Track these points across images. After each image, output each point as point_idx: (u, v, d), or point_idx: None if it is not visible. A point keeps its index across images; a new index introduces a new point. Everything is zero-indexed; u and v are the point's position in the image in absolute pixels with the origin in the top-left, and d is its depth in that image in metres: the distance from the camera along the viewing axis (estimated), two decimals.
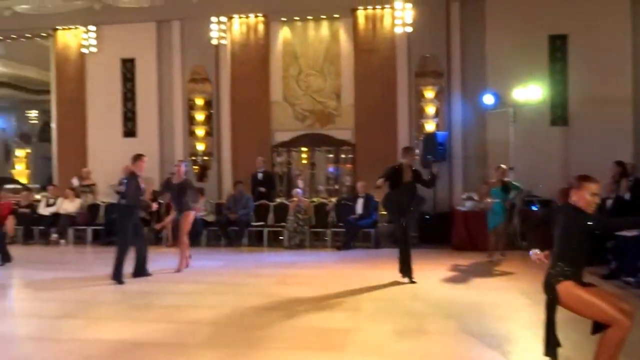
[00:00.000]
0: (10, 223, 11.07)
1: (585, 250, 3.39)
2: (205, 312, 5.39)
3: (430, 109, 11.04)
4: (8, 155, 16.92)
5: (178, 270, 7.33)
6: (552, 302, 3.37)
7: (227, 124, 12.06)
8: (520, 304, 5.64)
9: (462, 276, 7.24)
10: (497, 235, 8.29)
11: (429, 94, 11.04)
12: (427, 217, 10.38)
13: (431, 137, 10.33)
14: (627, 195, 8.11)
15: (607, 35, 10.26)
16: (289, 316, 5.15)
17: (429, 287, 6.50)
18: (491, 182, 8.67)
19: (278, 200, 10.99)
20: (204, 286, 6.64)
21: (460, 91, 11.09)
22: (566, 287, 3.32)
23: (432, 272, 7.27)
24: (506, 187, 8.34)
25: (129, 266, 6.92)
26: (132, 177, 6.87)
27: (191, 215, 7.59)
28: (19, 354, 4.23)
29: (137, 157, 7.00)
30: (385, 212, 10.43)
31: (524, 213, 9.79)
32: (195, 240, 9.86)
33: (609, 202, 7.80)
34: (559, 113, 10.59)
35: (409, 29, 11.19)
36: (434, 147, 9.83)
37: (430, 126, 11.01)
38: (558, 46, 10.66)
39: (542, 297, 5.86)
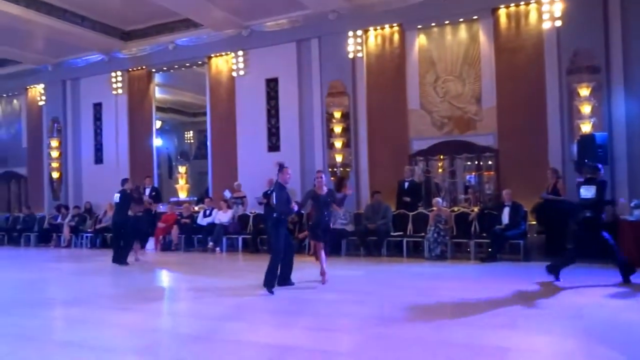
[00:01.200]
0: (174, 232, 12.45)
1: None
2: (351, 321, 5.39)
3: (586, 108, 9.97)
4: (171, 171, 19.03)
5: (323, 282, 7.33)
6: None
7: (364, 134, 12.18)
8: None
9: (630, 294, 6.32)
10: None
11: (584, 91, 9.98)
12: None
13: (588, 138, 9.31)
14: None
15: None
16: (439, 330, 4.92)
17: (594, 305, 5.76)
18: None
19: (418, 210, 10.73)
20: (348, 295, 6.67)
21: (622, 86, 9.87)
22: None
23: (597, 290, 6.46)
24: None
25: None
26: (280, 188, 7.00)
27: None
28: (179, 351, 4.60)
29: (281, 168, 7.12)
30: (535, 222, 9.69)
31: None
32: (334, 250, 10.07)
33: None
34: None
35: (559, 23, 10.29)
36: (593, 150, 8.84)
37: (586, 127, 9.93)
38: None
39: None
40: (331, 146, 12.44)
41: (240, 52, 13.58)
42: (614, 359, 4.01)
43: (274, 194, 7.00)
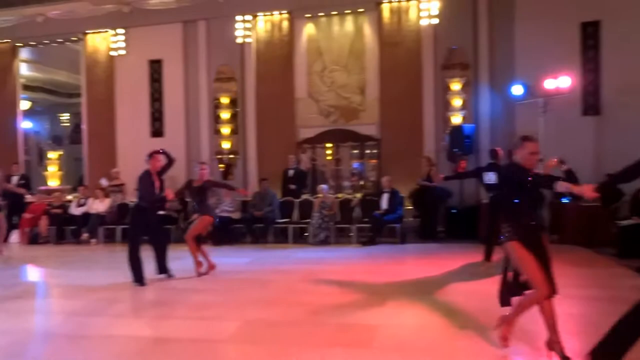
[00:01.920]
0: (42, 223, 11.39)
1: (528, 204, 3.64)
2: (231, 309, 5.35)
3: (457, 102, 10.78)
4: (41, 157, 17.36)
5: (198, 274, 7.02)
6: (505, 260, 3.79)
7: (253, 121, 12.08)
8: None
9: (488, 270, 6.99)
10: None
11: (456, 86, 10.78)
12: (454, 211, 10.13)
13: (458, 130, 10.09)
14: None
15: None
16: (315, 312, 5.06)
17: (455, 280, 6.29)
18: None
19: (303, 196, 10.90)
20: (230, 283, 6.61)
21: (488, 83, 10.82)
22: (511, 249, 3.63)
23: (459, 266, 7.06)
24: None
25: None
26: (144, 176, 6.60)
27: (206, 220, 7.24)
28: (47, 351, 4.25)
29: (151, 155, 6.72)
30: (411, 207, 10.33)
31: (552, 205, 9.47)
32: (222, 238, 9.91)
33: None
34: (591, 102, 10.19)
35: (435, 21, 10.98)
36: (461, 140, 9.58)
37: (457, 119, 10.76)
38: (590, 33, 10.25)
39: (572, 293, 5.61)
40: (219, 132, 12.18)
41: (121, 30, 12.73)
42: (470, 328, 4.40)
43: (140, 182, 6.61)
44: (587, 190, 3.07)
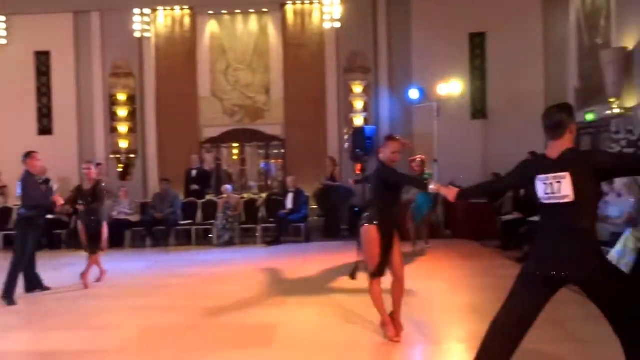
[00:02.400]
0: None
1: (390, 200, 4.02)
2: (126, 316, 5.08)
3: (359, 104, 11.13)
4: None
5: (85, 286, 6.34)
6: (359, 241, 4.09)
7: (152, 120, 11.61)
8: (441, 290, 5.74)
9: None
10: (420, 225, 8.36)
11: (357, 88, 11.12)
12: (357, 209, 10.42)
13: (359, 131, 10.42)
14: None
15: (521, 33, 10.76)
16: (215, 315, 4.96)
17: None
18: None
19: (207, 197, 10.67)
20: (126, 289, 6.29)
21: (387, 86, 11.27)
22: (366, 230, 3.96)
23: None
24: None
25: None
26: (26, 178, 5.83)
27: (105, 229, 6.57)
28: None
29: (28, 155, 5.92)
30: (316, 206, 10.49)
31: (445, 202, 10.10)
32: (117, 242, 9.37)
33: (522, 192, 8.13)
34: (478, 107, 11.04)
35: (337, 25, 11.23)
36: (363, 141, 9.91)
37: (359, 120, 11.11)
38: (477, 43, 11.09)
39: (461, 284, 6.03)
40: (115, 131, 11.53)
41: (2, 18, 11.59)
42: (363, 322, 4.56)
43: (23, 185, 5.81)
44: (450, 194, 3.13)
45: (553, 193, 2.61)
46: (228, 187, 10.40)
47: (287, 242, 9.77)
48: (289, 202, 9.90)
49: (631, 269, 5.10)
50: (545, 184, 2.64)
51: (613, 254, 5.41)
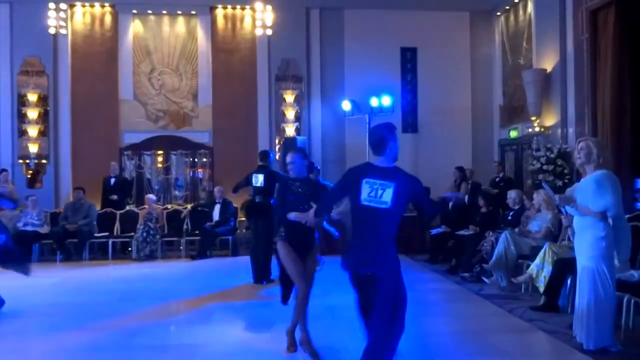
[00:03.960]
0: None
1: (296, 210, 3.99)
2: (27, 339, 4.67)
3: (291, 113, 11.13)
4: None
5: None
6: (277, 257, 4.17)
7: (67, 122, 10.97)
8: None
9: None
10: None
11: (289, 97, 11.12)
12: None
13: (291, 141, 10.38)
14: (466, 199, 8.91)
15: (450, 50, 11.29)
16: (132, 335, 4.69)
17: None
18: None
19: (127, 207, 10.19)
20: (29, 308, 5.79)
21: (319, 96, 11.35)
22: (280, 246, 4.09)
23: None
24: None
25: None
26: None
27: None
28: None
29: None
30: (244, 219, 10.29)
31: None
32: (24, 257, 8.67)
33: (451, 205, 8.45)
34: (409, 121, 11.39)
35: (270, 32, 11.19)
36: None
37: (290, 130, 11.09)
38: (408, 58, 11.47)
39: None
40: (25, 134, 10.76)
41: None
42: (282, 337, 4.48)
43: None
44: (309, 217, 3.63)
45: (375, 197, 2.97)
46: (150, 197, 10.01)
47: (214, 256, 9.53)
48: (216, 214, 9.66)
49: (548, 282, 5.41)
50: (371, 188, 2.99)
51: (533, 267, 5.72)
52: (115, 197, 10.09)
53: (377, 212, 2.97)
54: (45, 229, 9.47)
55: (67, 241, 9.35)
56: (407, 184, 3.03)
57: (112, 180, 10.24)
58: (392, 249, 3.04)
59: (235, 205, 10.02)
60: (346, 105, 10.73)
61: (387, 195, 2.96)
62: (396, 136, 3.14)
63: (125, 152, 11.16)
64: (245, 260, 8.07)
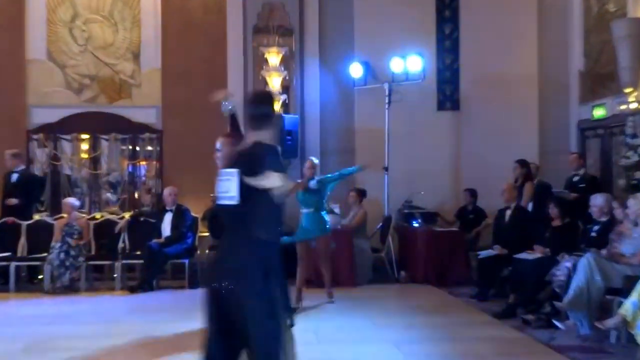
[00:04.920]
0: None
1: None
2: None
3: (275, 81, 11.07)
4: None
5: None
6: None
7: None
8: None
9: None
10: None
11: (273, 58, 11.07)
12: None
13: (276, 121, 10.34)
14: (530, 206, 8.89)
15: None
16: None
17: None
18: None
19: (36, 217, 10.21)
20: None
21: (317, 57, 11.36)
22: None
23: None
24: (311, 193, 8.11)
25: None
26: None
27: None
28: None
29: None
30: (207, 233, 10.30)
31: (399, 230, 10.31)
32: None
33: (508, 213, 8.43)
34: (447, 93, 11.38)
35: None
36: (279, 136, 9.85)
37: (274, 106, 11.03)
38: (447, 3, 11.42)
39: (414, 351, 6.09)
40: None
41: None
42: None
43: None
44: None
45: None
46: (71, 201, 10.03)
47: (163, 287, 9.55)
48: (167, 227, 9.67)
49: None
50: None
51: (627, 307, 5.68)
52: (15, 200, 10.05)
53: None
54: None
55: None
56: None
57: (14, 177, 10.22)
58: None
59: (194, 214, 10.01)
60: (356, 71, 10.71)
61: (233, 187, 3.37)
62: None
63: (35, 137, 11.26)
64: None
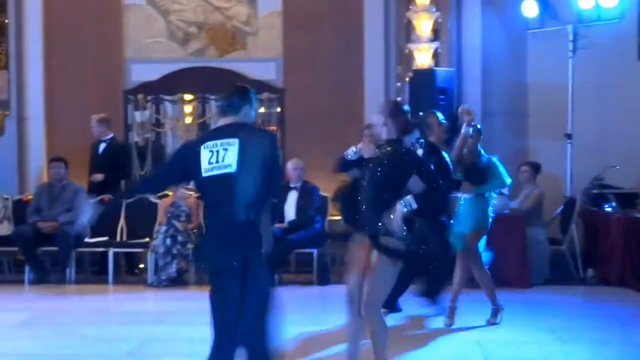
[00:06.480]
0: None
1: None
2: None
3: (425, 26, 10.99)
4: None
5: None
6: None
7: (37, 50, 11.61)
8: None
9: None
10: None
11: None
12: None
13: (424, 76, 10.28)
14: None
15: None
16: None
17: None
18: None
19: (134, 196, 10.59)
20: None
21: None
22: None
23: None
24: (476, 169, 7.30)
25: None
26: None
27: None
28: None
29: None
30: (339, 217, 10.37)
31: (586, 216, 9.99)
32: None
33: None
34: None
35: None
36: (431, 95, 9.78)
37: (423, 56, 10.98)
38: None
39: None
40: None
41: None
42: None
43: None
44: None
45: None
46: None
47: (287, 282, 9.67)
48: (291, 208, 9.83)
49: None
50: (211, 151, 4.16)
51: None
52: (100, 177, 10.41)
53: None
54: (4, 229, 10.10)
55: (40, 249, 9.92)
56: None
57: (101, 147, 10.63)
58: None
59: (322, 193, 10.09)
60: (530, 9, 10.48)
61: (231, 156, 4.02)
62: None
63: (131, 97, 11.61)
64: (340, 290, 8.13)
